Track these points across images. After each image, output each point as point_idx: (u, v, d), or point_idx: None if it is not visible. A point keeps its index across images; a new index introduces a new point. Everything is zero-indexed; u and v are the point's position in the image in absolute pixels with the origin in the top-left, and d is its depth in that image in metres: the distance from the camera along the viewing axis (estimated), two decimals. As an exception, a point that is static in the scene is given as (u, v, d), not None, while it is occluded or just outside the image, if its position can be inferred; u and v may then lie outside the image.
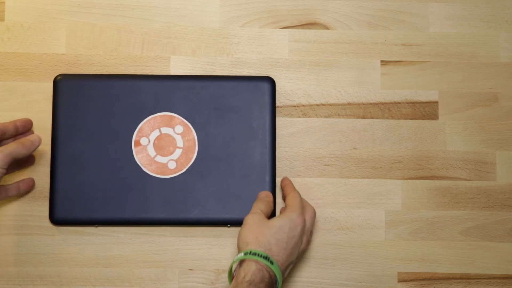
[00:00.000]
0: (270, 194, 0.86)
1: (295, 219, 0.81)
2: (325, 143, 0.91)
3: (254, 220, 0.81)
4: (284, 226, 0.80)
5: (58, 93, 0.88)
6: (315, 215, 0.86)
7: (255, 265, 0.76)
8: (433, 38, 0.93)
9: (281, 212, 0.85)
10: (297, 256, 0.81)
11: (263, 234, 0.79)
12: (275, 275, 0.77)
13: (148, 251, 0.89)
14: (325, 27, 0.93)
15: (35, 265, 0.88)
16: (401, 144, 0.91)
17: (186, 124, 0.88)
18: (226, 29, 0.92)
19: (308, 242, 0.84)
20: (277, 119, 0.91)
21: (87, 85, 0.88)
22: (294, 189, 0.87)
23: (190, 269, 0.89)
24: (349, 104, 0.92)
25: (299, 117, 0.91)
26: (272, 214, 0.85)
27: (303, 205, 0.84)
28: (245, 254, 0.77)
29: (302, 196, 0.87)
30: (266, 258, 0.77)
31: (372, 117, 0.91)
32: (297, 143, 0.91)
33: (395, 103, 0.92)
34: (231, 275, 0.79)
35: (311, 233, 0.85)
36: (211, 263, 0.89)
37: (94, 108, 0.88)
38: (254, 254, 0.77)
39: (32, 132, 0.88)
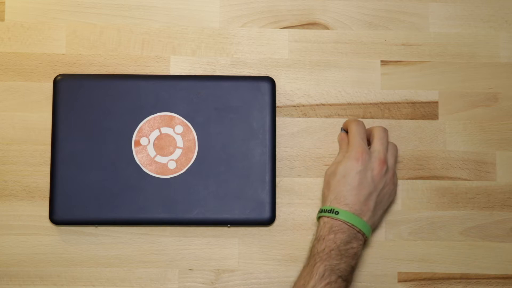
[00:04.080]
0: (343, 139, 0.88)
1: (352, 157, 0.83)
2: (325, 143, 0.91)
3: (327, 174, 0.86)
4: (343, 170, 0.83)
5: (58, 93, 0.88)
6: (386, 145, 0.86)
7: (322, 221, 0.82)
8: (433, 38, 0.93)
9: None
10: (380, 187, 0.83)
11: (329, 187, 0.84)
12: (347, 221, 0.80)
13: (148, 251, 0.89)
14: (325, 27, 0.93)
15: (35, 265, 0.88)
16: (401, 144, 0.91)
17: (186, 124, 0.88)
18: (226, 29, 0.92)
19: (386, 172, 0.84)
20: (277, 119, 0.91)
21: (87, 85, 0.88)
22: (352, 120, 0.88)
23: (190, 269, 0.89)
24: (349, 104, 0.92)
25: (299, 117, 0.91)
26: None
27: (365, 134, 0.86)
28: (318, 215, 0.84)
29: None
30: (331, 211, 0.81)
31: (372, 117, 0.91)
32: (297, 143, 0.91)
33: (395, 103, 0.92)
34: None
35: (393, 166, 0.85)
36: (211, 263, 0.89)
37: (94, 108, 0.88)
38: (320, 211, 0.83)
39: None
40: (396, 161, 0.87)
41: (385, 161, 0.84)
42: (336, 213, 0.80)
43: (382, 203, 0.84)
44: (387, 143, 0.86)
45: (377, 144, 0.85)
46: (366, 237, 0.82)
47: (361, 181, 0.82)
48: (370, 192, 0.82)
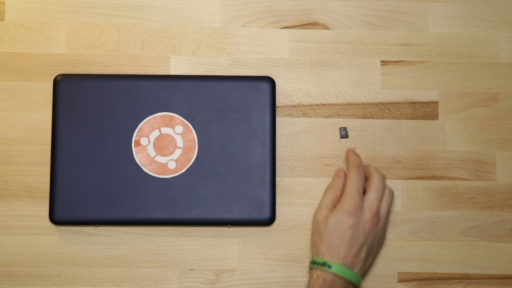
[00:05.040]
0: (339, 176, 0.86)
1: (345, 210, 0.82)
2: (325, 143, 0.91)
3: (317, 220, 0.84)
4: (335, 222, 0.82)
5: (58, 93, 0.88)
6: (382, 194, 0.84)
7: (315, 274, 0.81)
8: (433, 38, 0.93)
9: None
10: (370, 238, 0.82)
11: (321, 237, 0.82)
12: (340, 275, 0.80)
13: (148, 251, 0.89)
14: (325, 27, 0.93)
15: (35, 265, 0.88)
16: (401, 144, 0.91)
17: (186, 124, 0.88)
18: (226, 29, 0.92)
19: (378, 223, 0.83)
20: (277, 119, 0.91)
21: (87, 85, 0.88)
22: (353, 166, 0.85)
23: (190, 269, 0.89)
24: (349, 104, 0.92)
25: (299, 117, 0.91)
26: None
27: (362, 186, 0.84)
28: (310, 265, 0.83)
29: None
30: (323, 264, 0.81)
31: (372, 117, 0.91)
32: (297, 143, 0.91)
33: (395, 103, 0.92)
34: None
35: (385, 215, 0.85)
36: (211, 263, 0.89)
37: (94, 108, 0.88)
38: (313, 262, 0.82)
39: None
40: (389, 208, 0.86)
41: (377, 214, 0.83)
42: (329, 266, 0.80)
43: (373, 252, 0.85)
44: (383, 193, 0.85)
45: (372, 194, 0.84)
46: (357, 286, 0.83)
47: (353, 235, 0.82)
48: (361, 245, 0.82)
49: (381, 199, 0.85)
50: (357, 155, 0.87)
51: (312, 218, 0.86)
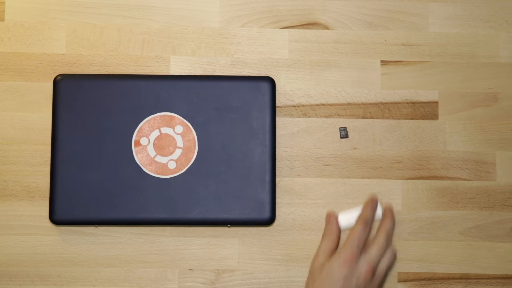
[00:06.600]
0: (330, 223, 0.84)
1: (340, 259, 0.80)
2: (325, 143, 0.91)
3: (312, 265, 0.82)
4: (329, 270, 0.80)
5: (58, 93, 0.88)
6: (383, 253, 0.81)
7: None
8: (433, 38, 0.93)
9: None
10: None
11: (313, 282, 0.80)
12: None
13: (148, 251, 0.89)
14: (325, 27, 0.93)
15: (35, 265, 0.88)
16: (401, 144, 0.91)
17: (186, 124, 0.88)
18: (226, 29, 0.92)
19: (372, 281, 0.81)
20: (277, 119, 0.91)
21: (87, 85, 0.88)
22: (362, 220, 0.82)
23: (190, 269, 0.89)
24: (349, 104, 0.92)
25: (299, 117, 0.91)
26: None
27: (364, 241, 0.81)
28: None
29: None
30: None
31: (372, 117, 0.91)
32: (297, 143, 0.91)
33: (395, 103, 0.92)
34: None
35: (382, 275, 0.82)
36: (211, 263, 0.89)
37: (94, 108, 0.88)
38: None
39: None
40: (389, 268, 0.83)
41: (373, 270, 0.80)
42: None
43: None
44: (385, 251, 0.82)
45: (373, 249, 0.81)
46: None
47: (344, 286, 0.79)
48: None
49: (381, 257, 0.82)
50: (373, 210, 0.84)
51: (311, 263, 0.83)
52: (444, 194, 0.90)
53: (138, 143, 0.88)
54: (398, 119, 0.92)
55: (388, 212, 0.84)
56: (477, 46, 0.93)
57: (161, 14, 0.92)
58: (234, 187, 0.87)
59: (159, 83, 0.89)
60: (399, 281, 0.89)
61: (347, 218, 0.84)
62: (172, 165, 0.88)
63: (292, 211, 0.90)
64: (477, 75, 0.92)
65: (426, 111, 0.92)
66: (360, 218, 0.82)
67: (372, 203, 0.84)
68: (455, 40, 0.93)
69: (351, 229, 0.82)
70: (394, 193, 0.90)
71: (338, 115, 0.91)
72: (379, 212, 0.84)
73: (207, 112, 0.88)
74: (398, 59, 0.92)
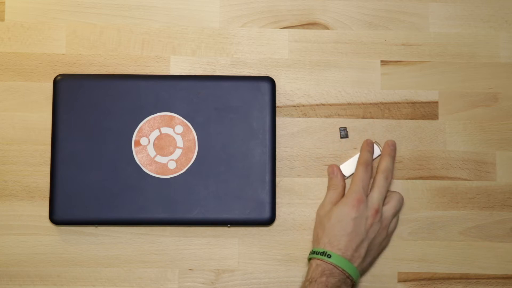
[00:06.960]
0: (334, 174, 0.88)
1: (349, 203, 0.84)
2: (325, 143, 0.91)
3: (320, 214, 0.87)
4: (339, 214, 0.84)
5: (58, 93, 0.88)
6: (384, 194, 0.86)
7: (314, 263, 0.82)
8: (433, 38, 0.93)
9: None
10: (372, 235, 0.83)
11: (323, 229, 0.84)
12: (339, 266, 0.80)
13: (148, 251, 0.89)
14: (325, 27, 0.93)
15: (35, 265, 0.88)
16: (401, 144, 0.91)
17: (186, 124, 0.88)
18: (226, 29, 0.92)
19: (380, 222, 0.85)
20: (277, 119, 0.91)
21: (87, 85, 0.88)
22: (362, 162, 0.87)
23: (190, 269, 0.89)
24: (349, 104, 0.92)
25: (299, 117, 0.91)
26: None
27: (368, 183, 0.86)
28: (309, 256, 0.84)
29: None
30: (323, 253, 0.82)
31: (372, 117, 0.91)
32: (297, 143, 0.91)
33: (395, 103, 0.92)
34: None
35: (390, 217, 0.86)
36: (211, 263, 0.89)
37: (94, 108, 0.88)
38: (313, 252, 0.83)
39: None
40: (396, 212, 0.87)
41: (378, 211, 0.84)
42: (329, 256, 0.81)
43: (373, 251, 0.85)
44: (386, 192, 0.86)
45: (374, 192, 0.85)
46: (354, 282, 0.82)
47: (355, 228, 0.83)
48: (362, 240, 0.83)
49: (383, 198, 0.86)
50: (370, 152, 0.88)
51: (316, 213, 0.87)
52: (444, 194, 0.90)
53: (138, 143, 0.88)
54: (398, 119, 0.92)
55: (386, 149, 0.89)
56: (477, 46, 0.93)
57: (161, 14, 0.92)
58: (234, 187, 0.87)
59: (159, 83, 0.89)
60: (399, 281, 0.89)
61: (349, 165, 0.89)
62: (172, 165, 0.88)
63: (292, 211, 0.90)
64: (477, 75, 0.92)
65: (426, 111, 0.92)
66: (359, 161, 0.87)
67: (367, 146, 0.89)
68: (455, 40, 0.93)
69: (354, 173, 0.87)
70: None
71: (338, 115, 0.91)
72: (377, 151, 0.89)
73: (207, 112, 0.88)
74: (398, 59, 0.92)
